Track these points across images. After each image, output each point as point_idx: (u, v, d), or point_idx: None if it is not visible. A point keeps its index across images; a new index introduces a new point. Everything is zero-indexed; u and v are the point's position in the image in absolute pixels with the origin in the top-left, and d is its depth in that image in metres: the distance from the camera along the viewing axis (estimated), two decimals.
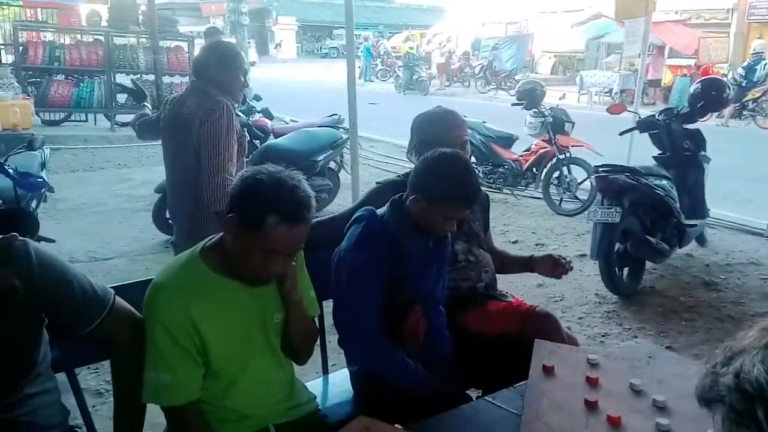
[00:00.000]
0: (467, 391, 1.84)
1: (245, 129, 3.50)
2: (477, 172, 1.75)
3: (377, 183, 2.14)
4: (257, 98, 6.24)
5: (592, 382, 1.55)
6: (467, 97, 18.31)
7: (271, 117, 6.15)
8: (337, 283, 1.73)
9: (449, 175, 1.63)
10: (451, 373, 1.80)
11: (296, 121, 7.22)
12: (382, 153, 9.10)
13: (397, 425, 1.36)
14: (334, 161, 6.03)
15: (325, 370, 2.06)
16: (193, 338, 1.36)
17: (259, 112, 6.00)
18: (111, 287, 1.44)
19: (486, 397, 1.52)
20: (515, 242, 4.96)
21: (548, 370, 1.60)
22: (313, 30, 39.28)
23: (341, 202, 5.86)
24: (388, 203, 1.76)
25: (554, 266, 2.06)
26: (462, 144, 2.07)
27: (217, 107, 2.55)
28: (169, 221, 3.77)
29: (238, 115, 2.76)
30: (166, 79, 9.46)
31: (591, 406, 1.44)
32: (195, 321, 1.35)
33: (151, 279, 1.44)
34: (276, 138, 5.79)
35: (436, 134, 2.05)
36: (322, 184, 5.55)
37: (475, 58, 21.55)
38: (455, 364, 1.84)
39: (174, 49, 9.75)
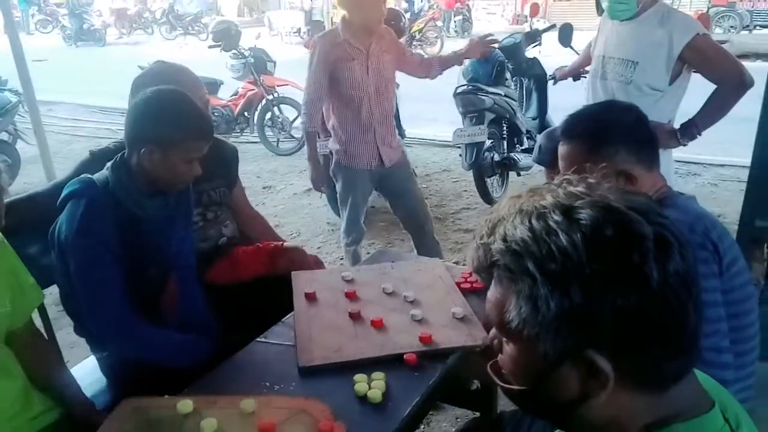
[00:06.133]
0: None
1: None
2: None
3: (91, 152, 1.82)
4: None
5: (351, 296, 1.66)
6: (153, 45, 16.91)
7: None
8: (63, 270, 1.47)
9: (175, 110, 1.46)
10: (214, 327, 1.71)
11: None
12: (67, 116, 7.91)
13: (166, 396, 1.25)
14: (6, 131, 5.00)
15: None
16: None
17: None
18: None
19: (258, 339, 1.49)
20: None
21: (310, 297, 1.65)
22: None
23: (28, 180, 4.94)
24: (109, 168, 1.52)
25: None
26: (206, 104, 1.91)
27: None
28: None
29: None
30: None
31: (355, 317, 1.54)
32: None
33: None
34: None
35: None
36: None
37: (154, 2, 19.82)
38: (217, 321, 1.75)
39: None
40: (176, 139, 1.45)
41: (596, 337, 0.62)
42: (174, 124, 1.45)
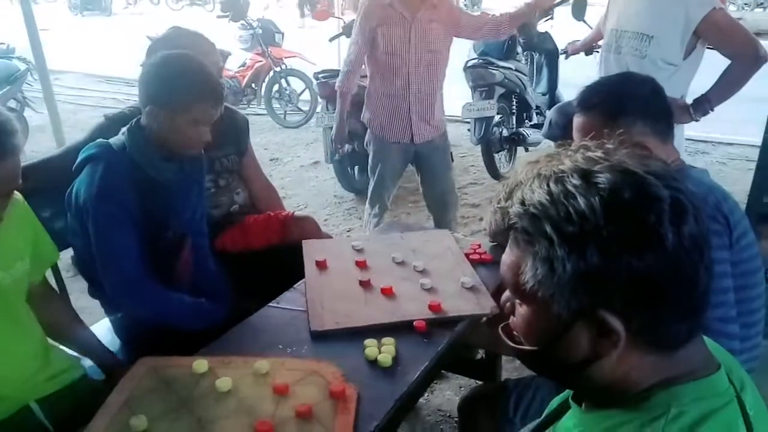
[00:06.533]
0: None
1: None
2: None
3: (106, 116, 1.82)
4: None
5: (361, 265, 1.68)
6: (159, 14, 16.72)
7: None
8: (81, 232, 1.49)
9: (183, 73, 1.45)
10: (227, 293, 1.73)
11: None
12: (74, 85, 7.89)
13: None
14: (14, 99, 5.00)
15: None
16: None
17: None
18: None
19: (270, 303, 1.52)
20: None
21: (321, 265, 1.67)
22: None
23: (36, 148, 4.95)
24: (125, 133, 1.52)
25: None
26: (220, 71, 1.90)
27: None
28: None
29: None
30: None
31: (366, 285, 1.56)
32: None
33: None
34: None
35: None
36: None
37: None
38: (230, 287, 1.77)
39: None
40: (183, 101, 1.45)
41: (610, 298, 0.63)
42: (179, 86, 1.45)
